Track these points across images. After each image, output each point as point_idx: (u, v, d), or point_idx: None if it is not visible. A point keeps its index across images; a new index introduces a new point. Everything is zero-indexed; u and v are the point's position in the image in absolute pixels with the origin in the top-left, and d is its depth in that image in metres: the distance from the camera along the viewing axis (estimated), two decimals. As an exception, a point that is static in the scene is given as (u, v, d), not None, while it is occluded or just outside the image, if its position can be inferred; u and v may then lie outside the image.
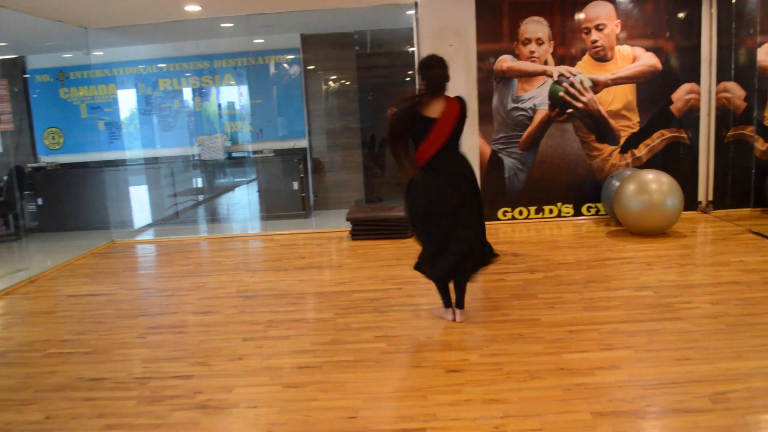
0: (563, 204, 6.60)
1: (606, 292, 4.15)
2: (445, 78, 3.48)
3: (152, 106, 8.34)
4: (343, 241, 6.28)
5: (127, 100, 8.37)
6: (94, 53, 8.12)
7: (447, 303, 3.77)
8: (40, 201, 8.17)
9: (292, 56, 8.04)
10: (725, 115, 6.43)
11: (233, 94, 8.36)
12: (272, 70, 8.14)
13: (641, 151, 6.51)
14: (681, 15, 6.33)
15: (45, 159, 8.52)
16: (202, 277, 5.27)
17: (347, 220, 6.33)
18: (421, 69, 3.51)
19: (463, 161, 3.57)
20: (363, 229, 6.23)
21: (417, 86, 3.44)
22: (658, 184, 5.49)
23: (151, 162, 8.52)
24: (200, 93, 8.25)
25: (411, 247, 5.37)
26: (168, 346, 3.67)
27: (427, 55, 3.58)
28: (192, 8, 5.89)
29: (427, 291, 4.23)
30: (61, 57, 8.19)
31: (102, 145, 8.36)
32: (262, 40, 7.98)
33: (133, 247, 6.73)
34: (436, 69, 3.47)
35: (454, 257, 3.51)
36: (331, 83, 8.28)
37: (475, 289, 4.36)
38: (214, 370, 3.28)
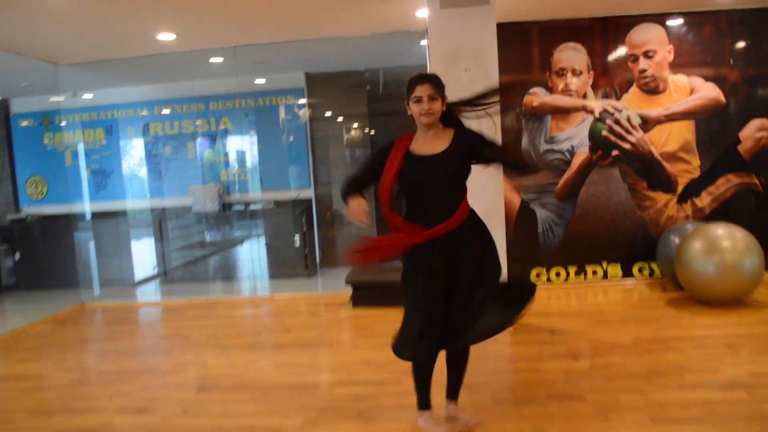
0: (609, 264, 5.46)
1: (681, 393, 2.99)
2: None
3: (143, 151, 7.55)
4: (343, 308, 5.22)
5: (116, 147, 7.59)
6: (84, 97, 7.44)
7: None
8: (17, 256, 7.40)
9: (301, 100, 7.18)
10: (806, 157, 5.31)
11: (231, 139, 7.52)
12: (274, 113, 7.29)
13: (703, 200, 5.39)
14: (745, 39, 5.31)
15: (27, 209, 7.75)
16: (158, 355, 4.25)
17: (347, 283, 5.28)
18: None
19: None
20: (366, 295, 5.19)
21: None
22: (731, 241, 4.38)
23: (141, 214, 7.68)
24: (194, 138, 7.42)
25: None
26: (63, 470, 2.64)
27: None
28: (165, 37, 5.07)
29: (432, 386, 3.06)
30: (46, 101, 7.47)
31: (89, 194, 7.57)
32: (263, 81, 7.17)
33: (101, 312, 5.76)
34: None
35: None
36: (340, 127, 7.40)
37: (499, 384, 3.25)
38: None
